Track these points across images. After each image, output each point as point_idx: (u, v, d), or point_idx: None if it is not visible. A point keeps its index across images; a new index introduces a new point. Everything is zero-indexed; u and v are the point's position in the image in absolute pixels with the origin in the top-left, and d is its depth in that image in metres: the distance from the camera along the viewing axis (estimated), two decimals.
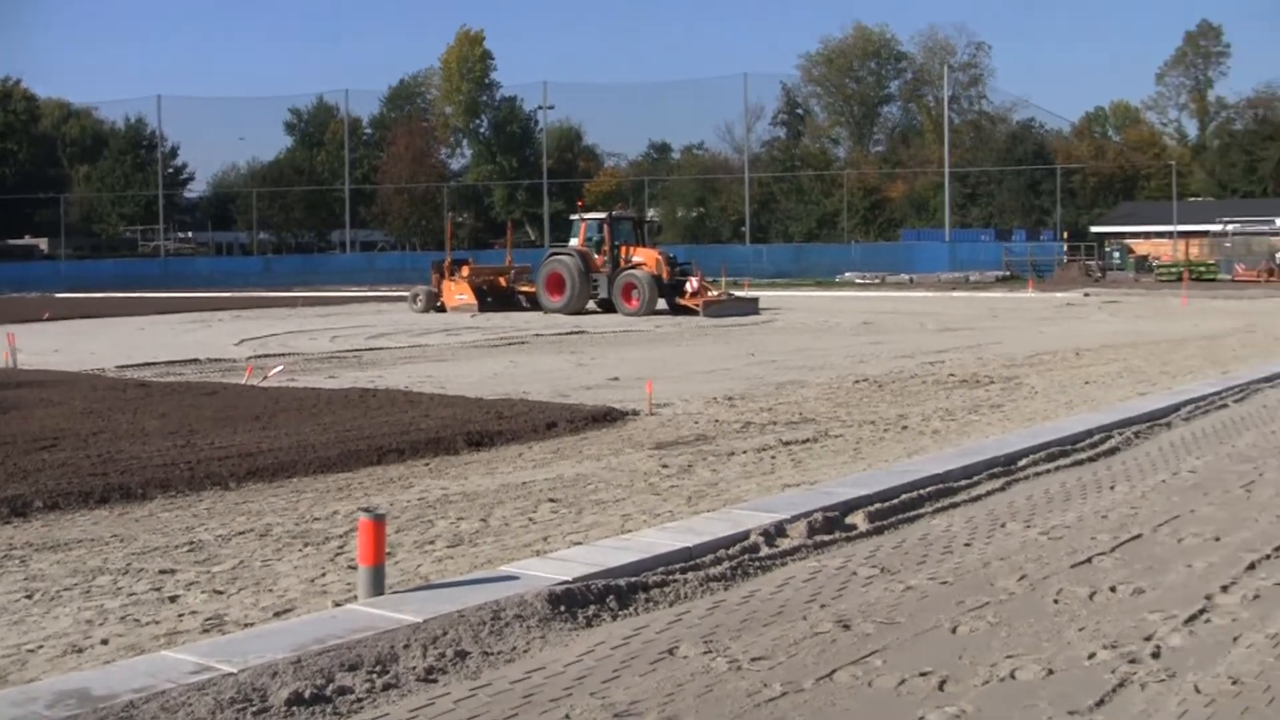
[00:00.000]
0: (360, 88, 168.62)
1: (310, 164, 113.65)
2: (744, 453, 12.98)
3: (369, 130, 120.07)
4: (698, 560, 8.28)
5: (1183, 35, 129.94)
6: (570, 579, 7.59)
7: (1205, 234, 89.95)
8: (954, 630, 6.99)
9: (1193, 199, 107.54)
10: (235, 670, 6.07)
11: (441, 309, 45.28)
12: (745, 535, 8.79)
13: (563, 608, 7.21)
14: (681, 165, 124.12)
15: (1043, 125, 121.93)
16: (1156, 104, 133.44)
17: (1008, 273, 78.98)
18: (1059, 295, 55.22)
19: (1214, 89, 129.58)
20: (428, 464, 12.78)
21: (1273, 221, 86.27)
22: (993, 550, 8.73)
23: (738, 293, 49.63)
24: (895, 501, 10.00)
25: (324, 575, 8.46)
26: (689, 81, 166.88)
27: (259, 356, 25.30)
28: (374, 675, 6.18)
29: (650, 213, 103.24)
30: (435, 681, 6.20)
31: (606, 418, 15.56)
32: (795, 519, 9.17)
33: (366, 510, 7.49)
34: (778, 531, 8.95)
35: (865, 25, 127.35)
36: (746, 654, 6.60)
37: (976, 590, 7.74)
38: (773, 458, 12.73)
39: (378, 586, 7.43)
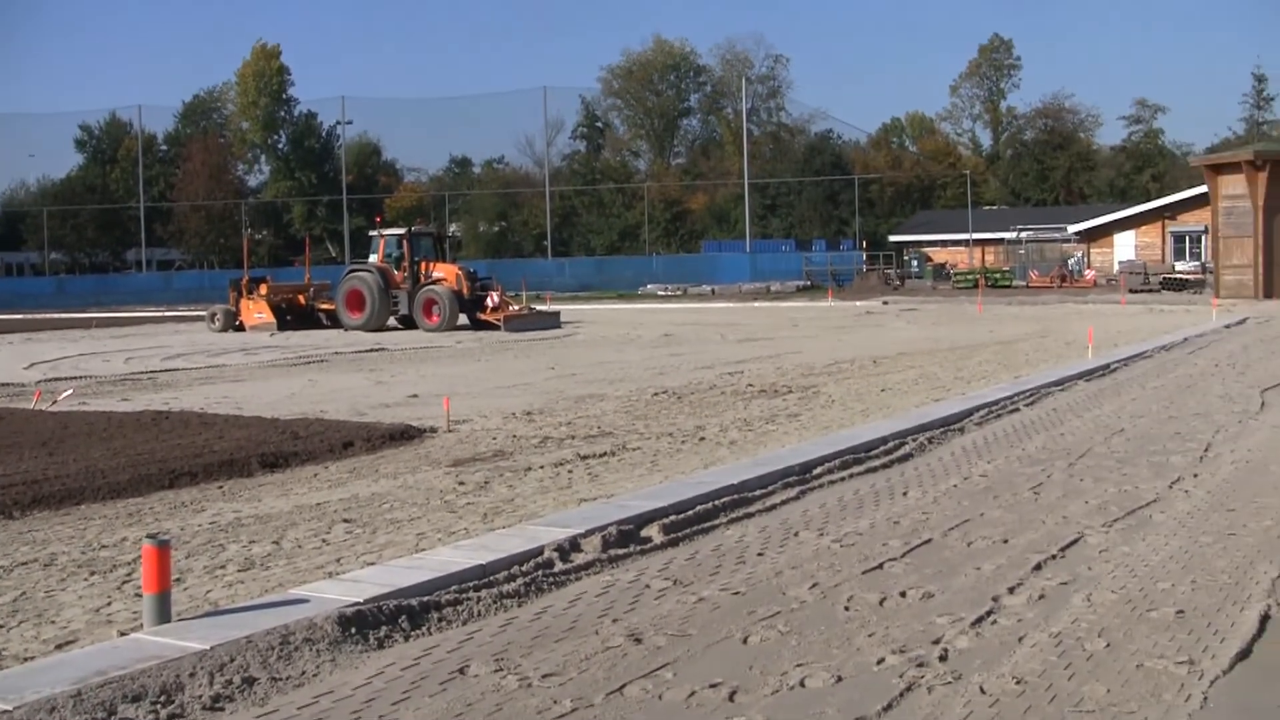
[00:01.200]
0: (154, 103, 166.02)
1: (103, 181, 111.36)
2: (541, 468, 12.94)
3: (164, 147, 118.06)
4: (491, 578, 8.20)
5: (976, 48, 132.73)
6: (362, 600, 7.47)
7: (1000, 241, 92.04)
8: (745, 640, 7.02)
9: (988, 207, 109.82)
10: (11, 708, 5.86)
11: (240, 328, 44.71)
12: (539, 551, 8.74)
13: (353, 630, 7.10)
14: (483, 180, 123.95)
15: (840, 136, 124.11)
16: (951, 115, 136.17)
17: (808, 282, 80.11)
18: (859, 304, 56.13)
19: (1006, 100, 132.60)
20: (221, 487, 12.54)
21: (1064, 228, 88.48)
22: (785, 559, 8.79)
23: (539, 307, 49.67)
24: (690, 513, 10.02)
25: (110, 604, 8.25)
26: (489, 95, 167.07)
27: (49, 380, 24.71)
28: (158, 706, 6.02)
29: (452, 228, 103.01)
30: (222, 710, 6.07)
31: (404, 436, 15.42)
32: (590, 533, 9.14)
33: (151, 536, 7.31)
34: (572, 546, 8.92)
35: (665, 39, 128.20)
36: (537, 671, 6.56)
37: (768, 600, 7.79)
38: (570, 472, 12.71)
39: (163, 614, 7.26)
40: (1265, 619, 7.27)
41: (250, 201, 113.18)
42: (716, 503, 10.42)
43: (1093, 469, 12.21)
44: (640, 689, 6.27)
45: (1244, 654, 6.69)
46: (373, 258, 44.23)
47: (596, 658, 6.75)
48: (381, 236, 44.81)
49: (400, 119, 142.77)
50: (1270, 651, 6.76)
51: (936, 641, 6.92)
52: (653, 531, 9.48)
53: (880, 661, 6.60)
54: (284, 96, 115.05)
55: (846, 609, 7.58)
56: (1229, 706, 5.99)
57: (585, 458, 13.52)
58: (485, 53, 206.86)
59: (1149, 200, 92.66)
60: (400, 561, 8.75)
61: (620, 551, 8.99)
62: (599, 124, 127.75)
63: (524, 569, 8.43)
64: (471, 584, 8.06)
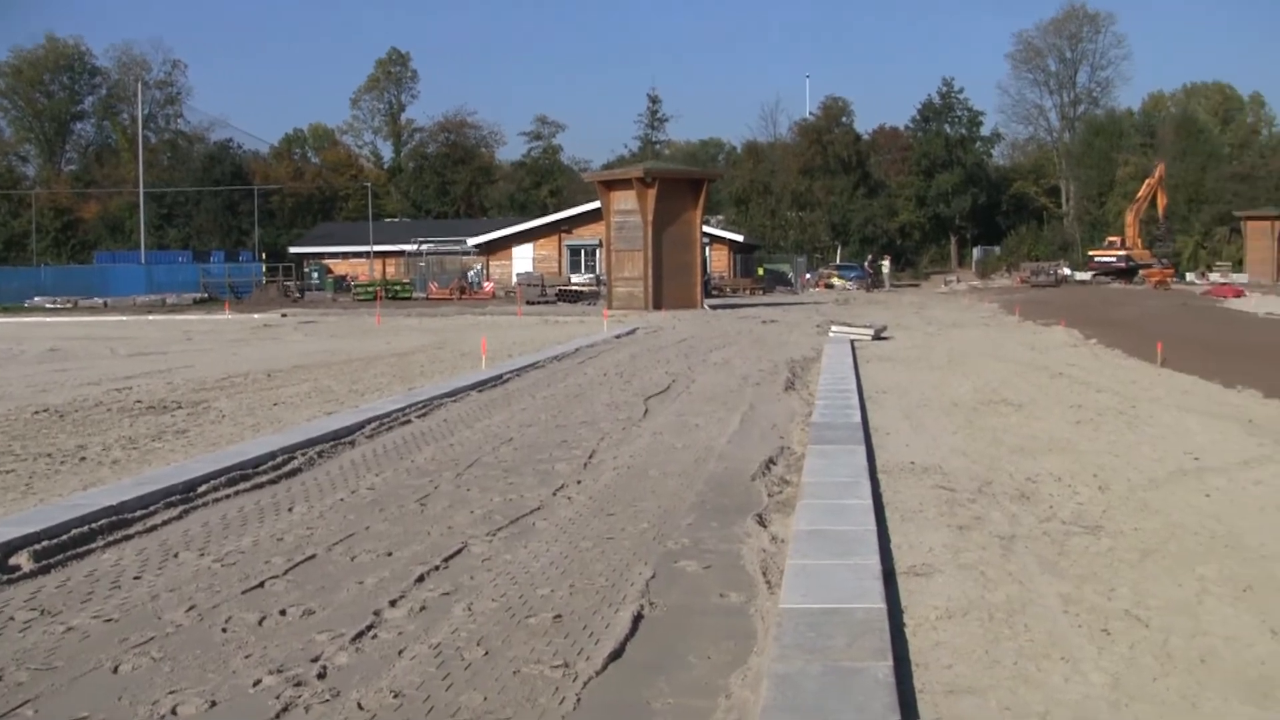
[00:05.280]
0: None
1: None
2: None
3: None
4: None
5: (374, 62, 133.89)
6: None
7: (401, 254, 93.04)
8: (115, 670, 6.71)
9: (389, 219, 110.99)
10: None
11: None
12: None
13: None
14: None
15: (241, 146, 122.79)
16: (353, 127, 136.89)
17: (206, 295, 78.63)
18: (256, 316, 55.36)
19: (406, 113, 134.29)
20: None
21: (464, 241, 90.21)
22: (163, 582, 8.48)
23: None
24: (65, 538, 9.52)
25: None
26: None
27: None
28: None
29: None
30: None
31: None
32: None
33: None
34: None
35: (57, 37, 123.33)
36: None
37: (143, 625, 7.49)
38: None
39: None
40: (638, 618, 7.53)
41: None
42: (93, 525, 9.94)
43: (480, 479, 12.38)
44: None
45: (617, 654, 6.90)
46: None
47: None
48: None
49: None
50: (642, 650, 7.00)
51: (316, 659, 6.82)
52: (21, 559, 8.95)
53: (257, 683, 6.45)
54: None
55: (224, 631, 7.38)
56: (601, 706, 6.16)
57: None
58: None
59: (547, 214, 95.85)
60: None
61: None
62: None
63: None
64: None
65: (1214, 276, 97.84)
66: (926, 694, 6.33)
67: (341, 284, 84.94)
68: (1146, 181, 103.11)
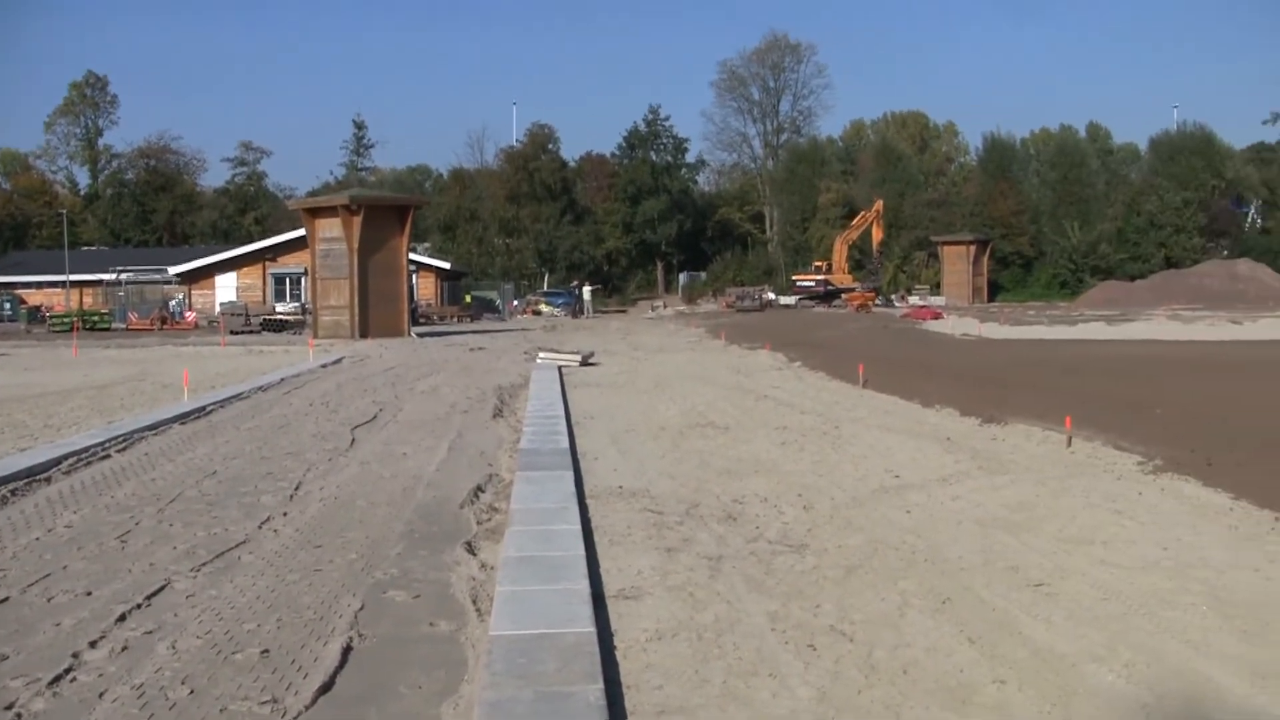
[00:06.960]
0: None
1: None
2: None
3: None
4: None
5: (68, 85, 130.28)
6: None
7: (100, 283, 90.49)
8: None
9: (86, 248, 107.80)
10: None
11: None
12: None
13: None
14: None
15: None
16: (46, 152, 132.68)
17: None
18: None
19: (105, 138, 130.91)
20: None
21: (165, 270, 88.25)
22: None
23: None
24: None
25: None
26: None
27: None
28: None
29: None
30: None
31: None
32: None
33: None
34: None
35: None
36: None
37: None
38: None
39: None
40: (348, 650, 7.46)
41: None
42: None
43: (183, 513, 12.08)
44: None
45: (327, 687, 6.84)
46: None
47: None
48: None
49: None
50: (352, 682, 6.94)
51: (9, 707, 6.58)
52: None
53: None
54: None
55: None
56: None
57: None
58: None
59: (251, 242, 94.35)
60: None
61: None
62: None
63: None
64: None
65: (913, 299, 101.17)
66: (637, 715, 6.40)
67: (36, 315, 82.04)
68: (862, 214, 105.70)
